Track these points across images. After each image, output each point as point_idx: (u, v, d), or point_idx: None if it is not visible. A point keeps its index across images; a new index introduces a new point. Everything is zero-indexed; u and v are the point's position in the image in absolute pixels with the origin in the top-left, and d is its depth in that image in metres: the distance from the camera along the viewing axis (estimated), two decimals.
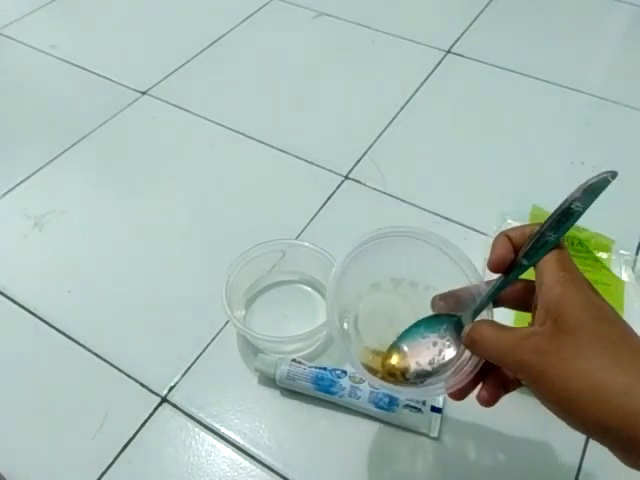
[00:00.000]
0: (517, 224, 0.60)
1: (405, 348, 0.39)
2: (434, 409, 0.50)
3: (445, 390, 0.37)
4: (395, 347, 0.40)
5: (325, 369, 0.52)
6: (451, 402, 0.51)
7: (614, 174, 0.36)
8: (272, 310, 0.58)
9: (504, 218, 0.64)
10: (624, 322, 0.32)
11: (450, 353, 0.38)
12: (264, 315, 0.58)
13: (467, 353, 0.38)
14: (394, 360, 0.39)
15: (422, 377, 0.38)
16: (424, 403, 0.50)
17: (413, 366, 0.39)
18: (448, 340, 0.39)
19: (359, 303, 0.43)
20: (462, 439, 0.50)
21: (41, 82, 0.89)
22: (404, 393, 0.42)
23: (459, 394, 0.38)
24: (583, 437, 0.50)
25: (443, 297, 0.40)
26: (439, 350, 0.39)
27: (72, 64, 0.90)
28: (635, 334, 0.31)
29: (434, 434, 0.50)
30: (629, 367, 0.29)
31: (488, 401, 0.36)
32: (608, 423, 0.28)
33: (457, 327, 0.38)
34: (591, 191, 0.35)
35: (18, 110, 0.84)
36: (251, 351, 0.55)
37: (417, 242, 0.42)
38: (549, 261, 0.34)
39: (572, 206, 0.35)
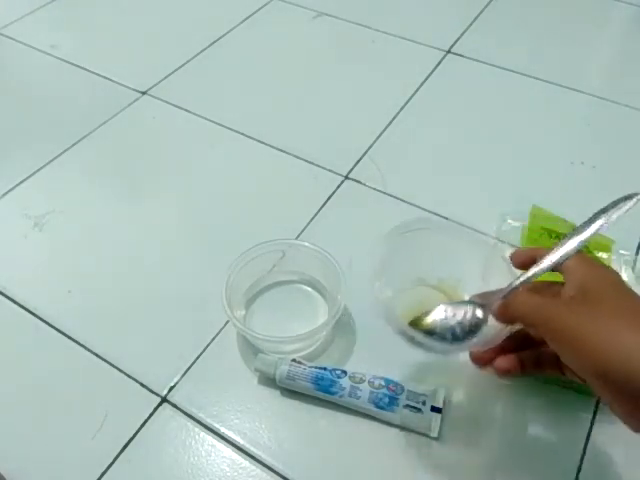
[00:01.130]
0: (517, 224, 0.61)
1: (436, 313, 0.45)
2: (434, 409, 0.50)
3: (468, 347, 0.43)
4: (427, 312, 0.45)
5: (325, 369, 0.52)
6: (451, 402, 0.51)
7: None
8: (272, 310, 0.58)
9: (504, 218, 0.64)
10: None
11: (477, 318, 0.43)
12: (264, 315, 0.58)
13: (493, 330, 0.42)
14: (427, 319, 0.45)
15: (449, 336, 0.44)
16: (424, 403, 0.50)
17: (440, 323, 0.44)
18: (476, 310, 0.44)
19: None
20: (462, 439, 0.50)
21: (41, 82, 0.89)
22: (434, 347, 0.45)
23: (481, 359, 0.43)
24: (583, 437, 0.50)
25: (479, 296, 0.45)
26: (467, 314, 0.44)
27: (72, 64, 0.90)
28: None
29: (434, 434, 0.50)
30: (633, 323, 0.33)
31: (503, 369, 0.41)
32: (621, 367, 0.32)
33: (484, 309, 0.44)
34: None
35: (18, 110, 0.84)
36: (251, 351, 0.55)
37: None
38: (573, 257, 0.40)
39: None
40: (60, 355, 0.56)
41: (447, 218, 0.66)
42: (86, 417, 0.52)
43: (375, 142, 0.77)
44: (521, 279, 0.41)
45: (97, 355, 0.56)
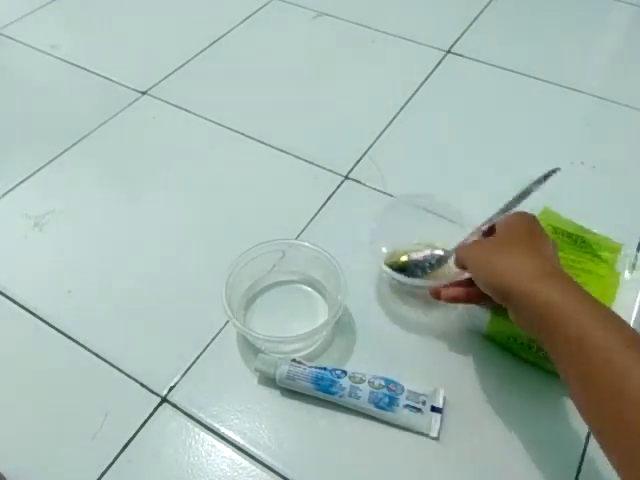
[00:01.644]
0: None
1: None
2: (434, 409, 0.50)
3: (433, 283, 0.54)
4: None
5: (325, 369, 0.52)
6: (451, 402, 0.51)
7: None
8: (272, 310, 0.58)
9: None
10: (541, 238, 0.48)
11: (439, 256, 0.58)
12: (264, 315, 0.58)
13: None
14: (401, 259, 0.59)
15: (419, 273, 0.58)
16: (424, 403, 0.50)
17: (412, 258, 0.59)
18: (439, 251, 0.59)
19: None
20: (462, 439, 0.50)
21: (41, 82, 0.89)
22: (406, 282, 0.56)
23: (436, 292, 0.52)
24: (583, 437, 0.50)
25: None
26: (432, 254, 0.59)
27: (72, 64, 0.90)
28: (538, 240, 0.48)
29: (434, 434, 0.50)
30: (516, 251, 0.46)
31: (450, 296, 0.51)
32: (497, 281, 0.44)
33: (445, 251, 0.59)
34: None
35: (18, 110, 0.84)
36: (251, 351, 0.55)
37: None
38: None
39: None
40: (60, 355, 0.56)
41: (448, 218, 0.66)
42: (86, 417, 0.52)
43: (375, 142, 0.77)
44: (472, 232, 0.56)
45: (97, 355, 0.56)
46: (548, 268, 0.44)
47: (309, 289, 0.60)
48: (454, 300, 0.51)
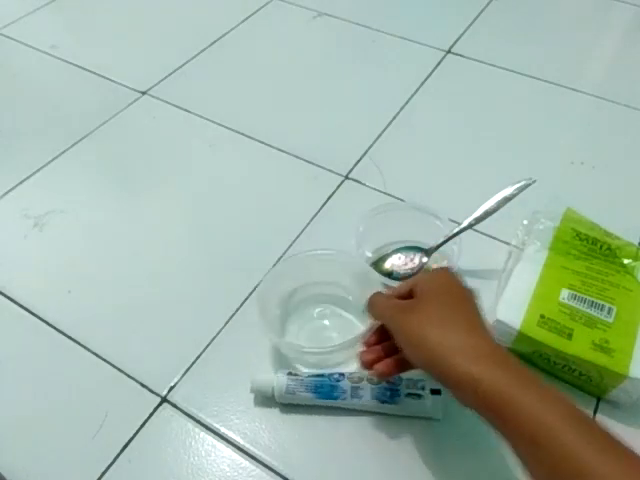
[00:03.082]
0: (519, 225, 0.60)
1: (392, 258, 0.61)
2: (434, 392, 0.50)
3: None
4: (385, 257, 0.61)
5: (322, 375, 0.51)
6: None
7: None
8: (309, 321, 0.57)
9: (536, 217, 0.62)
10: (463, 296, 0.45)
11: (422, 263, 0.60)
12: (302, 326, 0.57)
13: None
14: (386, 264, 0.60)
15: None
16: (423, 388, 0.51)
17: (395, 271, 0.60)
18: (422, 257, 0.60)
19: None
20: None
21: (41, 82, 0.89)
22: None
23: (367, 362, 0.48)
24: None
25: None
26: (414, 259, 0.60)
27: (72, 64, 0.90)
28: (465, 302, 0.45)
29: (438, 416, 0.50)
30: (447, 325, 0.42)
31: (381, 372, 0.46)
32: (431, 360, 0.41)
33: (425, 252, 0.60)
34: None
35: (18, 110, 0.84)
36: (251, 351, 0.55)
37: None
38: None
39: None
40: (60, 355, 0.56)
41: (448, 218, 0.66)
42: (86, 417, 0.52)
43: (375, 142, 0.77)
44: (443, 239, 0.59)
45: (97, 355, 0.56)
46: (485, 347, 0.41)
47: (344, 297, 0.59)
48: (387, 376, 0.48)
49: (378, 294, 0.50)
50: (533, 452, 0.36)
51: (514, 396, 0.37)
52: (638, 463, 0.34)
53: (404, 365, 0.46)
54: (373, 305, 0.49)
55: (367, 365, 0.47)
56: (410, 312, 0.44)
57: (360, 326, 0.55)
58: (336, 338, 0.55)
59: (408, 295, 0.47)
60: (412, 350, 0.43)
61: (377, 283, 0.55)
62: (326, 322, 0.57)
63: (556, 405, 0.37)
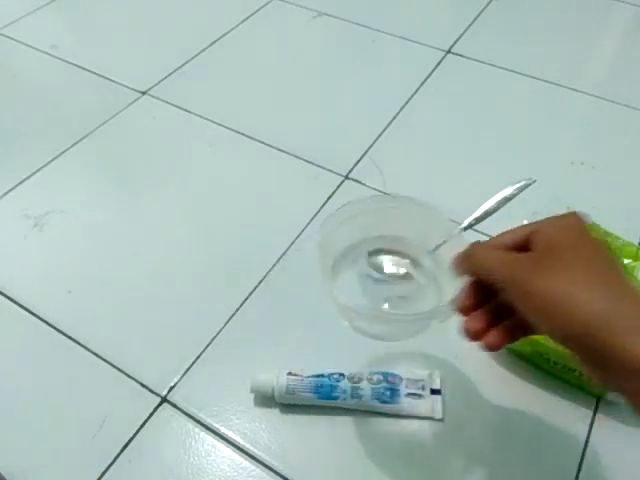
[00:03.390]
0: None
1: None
2: (434, 392, 0.51)
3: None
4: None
5: (322, 375, 0.52)
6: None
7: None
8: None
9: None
10: (604, 252, 0.34)
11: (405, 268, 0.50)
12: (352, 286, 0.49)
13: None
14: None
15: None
16: (423, 388, 0.51)
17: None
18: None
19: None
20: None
21: (41, 82, 0.89)
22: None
23: (475, 333, 0.38)
24: (584, 437, 0.50)
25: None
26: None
27: (72, 64, 0.90)
28: (609, 261, 0.34)
29: (438, 416, 0.50)
30: (600, 288, 0.32)
31: (492, 344, 0.38)
32: (584, 337, 0.31)
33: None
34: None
35: (18, 110, 0.84)
36: (251, 351, 0.55)
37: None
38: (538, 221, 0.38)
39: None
40: (60, 355, 0.56)
41: (448, 218, 0.66)
42: (86, 417, 0.52)
43: (375, 142, 0.77)
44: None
45: (97, 355, 0.56)
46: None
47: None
48: (498, 349, 0.38)
49: (480, 245, 0.40)
50: None
51: None
52: None
53: (516, 332, 0.38)
54: (477, 258, 0.38)
55: (475, 336, 0.38)
56: (542, 269, 0.33)
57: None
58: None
59: (522, 246, 0.37)
60: (550, 321, 0.32)
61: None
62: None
63: None
